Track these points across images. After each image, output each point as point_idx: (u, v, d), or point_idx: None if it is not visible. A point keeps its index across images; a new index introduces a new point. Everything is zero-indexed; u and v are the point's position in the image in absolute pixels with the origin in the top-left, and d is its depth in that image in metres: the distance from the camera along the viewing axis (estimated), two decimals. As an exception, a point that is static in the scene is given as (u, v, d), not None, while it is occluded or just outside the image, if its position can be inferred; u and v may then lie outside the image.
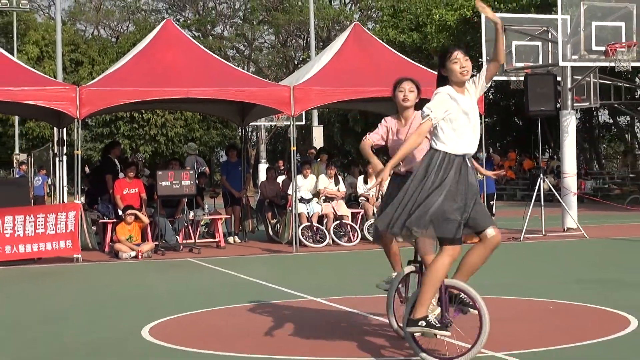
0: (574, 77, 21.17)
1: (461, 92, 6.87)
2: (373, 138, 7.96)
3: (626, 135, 47.73)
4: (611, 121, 47.02)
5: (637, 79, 36.79)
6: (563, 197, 20.50)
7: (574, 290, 11.23)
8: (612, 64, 20.93)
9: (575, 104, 21.61)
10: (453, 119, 6.74)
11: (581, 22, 20.28)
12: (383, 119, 8.01)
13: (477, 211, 7.05)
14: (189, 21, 60.36)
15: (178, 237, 18.02)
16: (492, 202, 20.13)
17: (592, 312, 9.50)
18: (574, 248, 17.43)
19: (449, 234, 6.94)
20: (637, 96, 36.81)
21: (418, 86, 7.95)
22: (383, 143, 8.05)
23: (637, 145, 46.49)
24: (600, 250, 17.09)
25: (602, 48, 20.34)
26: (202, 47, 20.20)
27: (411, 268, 8.01)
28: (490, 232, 7.26)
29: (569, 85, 20.87)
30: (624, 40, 20.36)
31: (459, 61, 6.82)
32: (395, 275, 8.18)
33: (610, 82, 26.92)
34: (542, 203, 19.35)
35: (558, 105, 20.55)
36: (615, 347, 7.61)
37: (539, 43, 22.19)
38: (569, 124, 21.15)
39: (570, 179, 21.05)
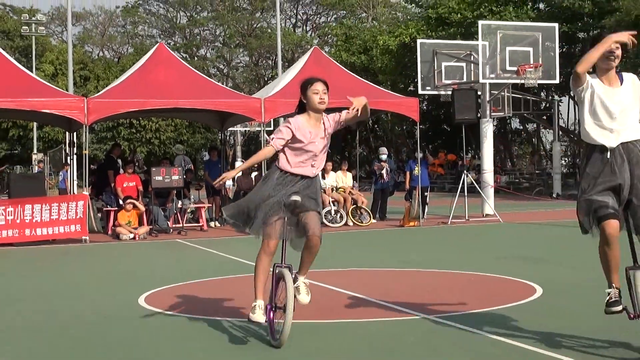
0: (492, 91, 21.33)
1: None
2: (278, 144, 6.35)
3: (533, 139, 48.13)
4: (521, 127, 47.46)
5: (542, 94, 37.09)
6: (482, 189, 20.65)
7: (491, 264, 11.30)
8: (522, 81, 21.14)
9: (492, 114, 21.77)
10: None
11: (497, 47, 20.44)
12: (289, 121, 6.54)
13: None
14: (178, 45, 60.10)
15: (168, 222, 17.99)
16: (426, 194, 20.21)
17: (506, 282, 9.57)
18: (491, 230, 17.55)
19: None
20: (542, 107, 37.09)
21: (328, 87, 6.65)
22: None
23: (541, 147, 46.88)
24: (512, 232, 17.23)
25: (514, 68, 20.54)
26: (188, 66, 20.23)
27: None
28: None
29: (488, 99, 21.02)
30: (531, 62, 20.56)
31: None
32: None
33: (520, 96, 27.16)
34: (466, 194, 19.49)
35: (478, 115, 20.68)
36: (524, 310, 7.67)
37: (464, 64, 22.33)
38: (487, 129, 21.31)
39: (488, 175, 21.23)
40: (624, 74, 5.65)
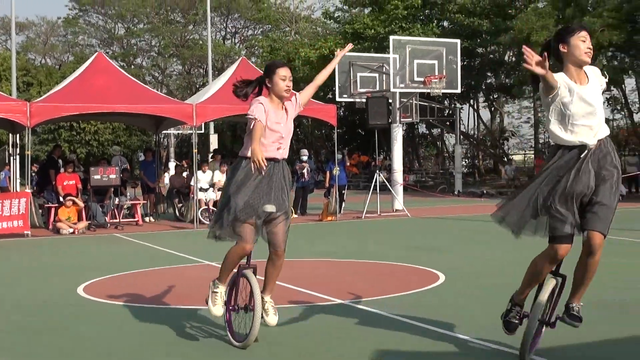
0: (401, 99, 21.57)
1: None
2: (263, 119, 5.51)
3: (437, 142, 48.85)
4: (427, 132, 48.09)
5: (445, 102, 37.68)
6: (393, 187, 20.86)
7: (400, 254, 11.43)
8: (428, 91, 21.43)
9: (401, 120, 22.02)
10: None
11: (406, 60, 20.68)
12: (257, 100, 5.63)
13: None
14: (115, 54, 58.91)
15: (106, 218, 17.66)
16: (343, 191, 20.32)
17: (413, 270, 9.69)
18: (401, 224, 17.75)
19: None
20: (445, 114, 37.68)
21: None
22: None
23: (445, 150, 47.61)
24: (419, 225, 17.45)
25: (421, 79, 20.81)
26: (125, 73, 19.86)
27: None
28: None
29: (398, 106, 21.24)
30: (436, 73, 20.86)
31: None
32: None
33: (427, 104, 27.53)
34: (378, 191, 19.65)
35: (389, 120, 20.88)
36: (428, 294, 7.78)
37: (377, 75, 22.52)
38: (397, 133, 21.54)
39: (398, 174, 21.47)
40: (586, 68, 4.95)
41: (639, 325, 6.23)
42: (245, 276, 5.85)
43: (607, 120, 42.69)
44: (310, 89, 6.06)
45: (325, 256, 11.49)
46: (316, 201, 21.48)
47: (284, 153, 5.71)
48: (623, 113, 39.50)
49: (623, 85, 35.63)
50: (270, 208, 5.57)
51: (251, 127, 5.49)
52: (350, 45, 6.22)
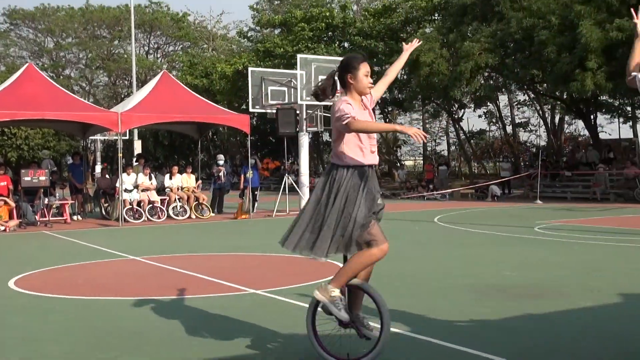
0: (308, 111, 21.66)
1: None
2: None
3: (340, 149, 49.23)
4: (330, 140, 48.35)
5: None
6: (300, 188, 20.96)
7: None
8: (331, 103, 21.55)
9: (308, 129, 22.10)
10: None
11: (312, 76, 20.80)
12: (344, 100, 4.61)
13: None
14: (45, 65, 56.99)
15: (36, 216, 17.06)
16: (256, 192, 20.30)
17: (318, 263, 9.72)
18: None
19: None
20: (346, 124, 38.07)
21: None
22: None
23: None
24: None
25: (325, 93, 20.95)
26: (55, 83, 19.27)
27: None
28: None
29: (304, 116, 21.33)
30: (338, 88, 21.02)
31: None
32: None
33: (330, 115, 27.68)
34: (287, 193, 19.71)
35: (297, 129, 20.95)
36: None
37: (286, 88, 22.56)
38: (304, 141, 21.61)
39: (305, 177, 21.55)
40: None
41: (496, 305, 6.47)
42: (366, 289, 4.60)
43: (484, 131, 44.08)
44: (383, 85, 5.01)
45: (239, 250, 11.44)
46: (232, 201, 21.35)
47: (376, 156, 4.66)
48: (498, 125, 40.89)
49: (497, 101, 36.92)
50: (380, 201, 4.54)
51: (345, 124, 4.40)
52: (417, 41, 5.15)
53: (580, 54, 22.30)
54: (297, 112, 20.94)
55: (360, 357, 4.46)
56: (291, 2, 49.88)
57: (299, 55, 22.17)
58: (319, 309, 4.66)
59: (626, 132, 35.17)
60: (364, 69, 4.63)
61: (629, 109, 32.29)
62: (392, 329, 5.52)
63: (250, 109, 23.06)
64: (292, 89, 22.02)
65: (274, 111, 21.01)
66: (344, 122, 4.40)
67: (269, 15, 45.41)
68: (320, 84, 4.78)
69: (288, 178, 20.05)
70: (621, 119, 34.42)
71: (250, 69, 23.45)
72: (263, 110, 23.06)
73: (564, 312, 6.15)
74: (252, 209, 19.25)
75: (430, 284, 7.70)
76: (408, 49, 5.07)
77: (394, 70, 5.00)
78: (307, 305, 6.56)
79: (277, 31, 42.65)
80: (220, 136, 50.85)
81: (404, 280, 8.06)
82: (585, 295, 6.87)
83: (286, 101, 22.00)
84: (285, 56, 36.31)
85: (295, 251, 4.61)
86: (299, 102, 20.81)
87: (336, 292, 4.48)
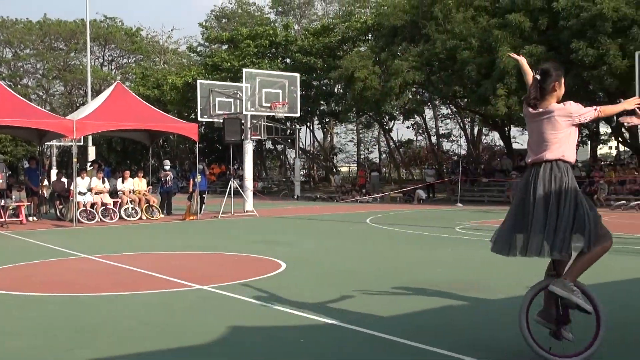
0: (252, 121, 21.58)
1: None
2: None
3: (281, 156, 49.25)
4: (273, 147, 48.33)
5: (287, 123, 38.04)
6: (244, 192, 20.84)
7: (251, 247, 11.41)
8: (274, 114, 21.57)
9: (252, 137, 22.00)
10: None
11: (256, 88, 20.74)
12: (570, 103, 4.36)
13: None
14: (3, 75, 55.11)
15: (-7, 217, 16.46)
16: (204, 195, 20.09)
17: (261, 260, 9.70)
18: (251, 222, 17.73)
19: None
20: (287, 133, 38.09)
21: None
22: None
23: (287, 162, 48.07)
24: (266, 223, 17.51)
25: (268, 104, 20.93)
26: (12, 91, 18.60)
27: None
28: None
29: (249, 126, 21.23)
30: (280, 100, 21.05)
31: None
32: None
33: (272, 125, 27.64)
34: (232, 196, 19.56)
35: (242, 137, 20.83)
36: (272, 280, 7.82)
37: (232, 100, 22.43)
38: (248, 148, 21.51)
39: (249, 181, 21.45)
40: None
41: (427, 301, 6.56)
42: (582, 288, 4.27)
43: (412, 141, 44.71)
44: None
45: (187, 249, 11.28)
46: (180, 203, 21.04)
47: None
48: (424, 136, 41.57)
49: (423, 114, 37.54)
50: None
51: (595, 115, 4.29)
52: (519, 58, 5.11)
53: (498, 77, 22.91)
54: (242, 121, 20.83)
55: (569, 356, 4.26)
56: (238, 21, 49.71)
57: (244, 70, 22.10)
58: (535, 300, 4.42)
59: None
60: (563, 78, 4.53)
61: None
62: (327, 320, 5.55)
63: (199, 119, 22.86)
64: (238, 100, 21.91)
65: (221, 120, 20.87)
66: (595, 113, 4.33)
67: (217, 32, 45.09)
68: (530, 94, 4.48)
69: (233, 182, 19.90)
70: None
71: (199, 81, 23.24)
72: (211, 120, 22.92)
73: (491, 302, 6.29)
74: (199, 211, 19.04)
75: (367, 280, 7.76)
76: (521, 61, 5.06)
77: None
78: (251, 300, 6.53)
79: (224, 47, 42.35)
80: (170, 143, 50.10)
81: (344, 276, 8.09)
82: (509, 288, 7.04)
83: (232, 111, 21.88)
84: (231, 70, 36.08)
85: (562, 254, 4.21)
86: (244, 112, 20.73)
87: (574, 286, 4.21)
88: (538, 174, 4.30)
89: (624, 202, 21.33)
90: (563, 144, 4.31)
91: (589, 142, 31.94)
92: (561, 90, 4.43)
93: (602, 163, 26.17)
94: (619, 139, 28.00)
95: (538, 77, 4.40)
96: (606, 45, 20.41)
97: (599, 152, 32.87)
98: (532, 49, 22.10)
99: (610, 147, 36.56)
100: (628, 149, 29.99)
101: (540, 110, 4.40)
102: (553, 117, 4.32)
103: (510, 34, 23.32)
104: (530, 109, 4.45)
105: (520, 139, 43.01)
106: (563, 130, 4.32)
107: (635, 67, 18.01)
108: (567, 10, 21.45)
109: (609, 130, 31.33)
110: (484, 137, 40.59)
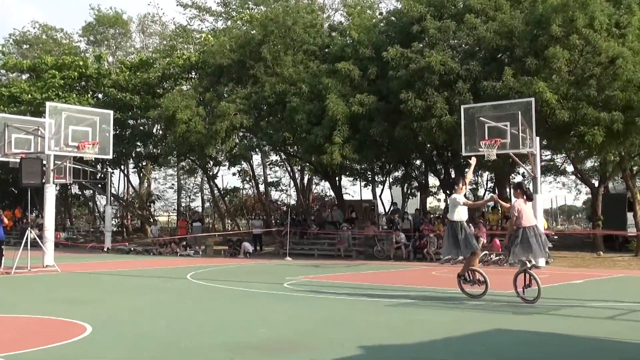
0: (56, 161, 20.60)
1: None
2: None
3: (90, 203, 47.23)
4: (80, 192, 46.19)
5: (98, 166, 36.64)
6: (44, 243, 19.68)
7: (49, 308, 10.70)
8: (82, 155, 20.69)
9: (55, 180, 20.97)
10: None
11: (62, 125, 19.92)
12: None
13: None
14: None
15: None
16: (2, 247, 18.68)
17: (61, 323, 9.13)
18: (51, 279, 16.70)
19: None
20: (97, 177, 36.68)
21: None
22: None
23: (96, 210, 46.18)
24: (69, 280, 16.58)
25: (76, 144, 20.13)
26: None
27: None
28: None
29: (52, 167, 20.23)
30: (90, 139, 20.34)
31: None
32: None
33: (80, 167, 26.58)
34: (29, 248, 18.36)
35: (43, 180, 19.76)
36: (73, 347, 7.40)
37: (32, 137, 21.36)
38: (50, 193, 20.45)
39: (50, 231, 20.32)
40: None
41: None
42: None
43: (238, 189, 44.96)
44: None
45: (-30, 312, 10.33)
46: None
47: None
48: (251, 183, 41.98)
49: (251, 161, 38.02)
50: None
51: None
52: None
53: (328, 124, 23.91)
54: (44, 162, 19.82)
55: None
56: (42, 48, 47.48)
57: (48, 103, 21.18)
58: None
59: (367, 194, 38.07)
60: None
61: (369, 173, 35.02)
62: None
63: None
64: (40, 138, 20.86)
65: (18, 160, 19.69)
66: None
67: (16, 58, 42.71)
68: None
69: (31, 232, 18.69)
70: (362, 182, 37.18)
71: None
72: (5, 159, 21.53)
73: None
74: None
75: (180, 344, 7.57)
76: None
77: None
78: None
79: (24, 76, 40.21)
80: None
81: (153, 341, 7.84)
82: (331, 348, 7.20)
83: (32, 150, 20.78)
84: (33, 103, 34.26)
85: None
86: (47, 151, 19.75)
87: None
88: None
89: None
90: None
91: (419, 193, 34.10)
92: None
93: (432, 216, 27.95)
94: (447, 191, 30.20)
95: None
96: (433, 97, 22.13)
97: (428, 205, 35.12)
98: (363, 98, 23.37)
99: (439, 200, 39.27)
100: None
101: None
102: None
103: (340, 81, 24.53)
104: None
105: (350, 190, 45.02)
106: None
107: (461, 122, 19.74)
108: (396, 61, 23.03)
109: (437, 182, 33.72)
110: (314, 186, 41.88)
